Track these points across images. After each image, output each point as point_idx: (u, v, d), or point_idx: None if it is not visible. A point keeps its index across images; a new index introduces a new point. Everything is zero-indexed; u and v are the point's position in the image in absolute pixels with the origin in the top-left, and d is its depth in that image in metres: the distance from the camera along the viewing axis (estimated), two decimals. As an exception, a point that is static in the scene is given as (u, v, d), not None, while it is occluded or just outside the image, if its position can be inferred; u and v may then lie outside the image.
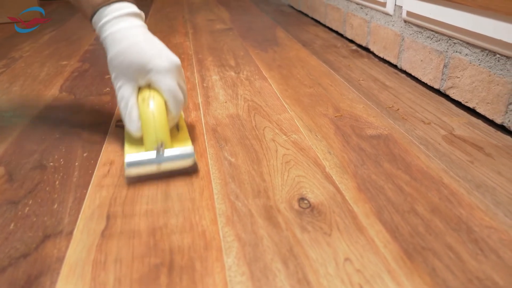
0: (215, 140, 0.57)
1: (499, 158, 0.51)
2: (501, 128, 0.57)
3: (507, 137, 0.55)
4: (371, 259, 0.36)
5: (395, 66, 0.84)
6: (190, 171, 0.49)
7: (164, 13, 1.55)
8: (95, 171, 0.50)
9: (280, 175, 0.48)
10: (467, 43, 0.61)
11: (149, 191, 0.46)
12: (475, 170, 0.48)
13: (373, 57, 0.92)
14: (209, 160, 0.52)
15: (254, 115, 0.64)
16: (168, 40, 1.11)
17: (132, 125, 0.51)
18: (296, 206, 0.43)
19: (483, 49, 0.58)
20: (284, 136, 0.57)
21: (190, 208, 0.43)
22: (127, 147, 0.52)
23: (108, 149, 0.55)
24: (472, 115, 0.62)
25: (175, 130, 0.56)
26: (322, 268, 0.35)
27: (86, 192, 0.46)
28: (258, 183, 0.47)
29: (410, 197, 0.44)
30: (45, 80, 0.83)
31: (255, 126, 0.60)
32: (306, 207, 0.42)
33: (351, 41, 1.04)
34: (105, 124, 0.63)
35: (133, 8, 0.54)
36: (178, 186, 0.47)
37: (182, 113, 0.63)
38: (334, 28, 1.15)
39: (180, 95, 0.52)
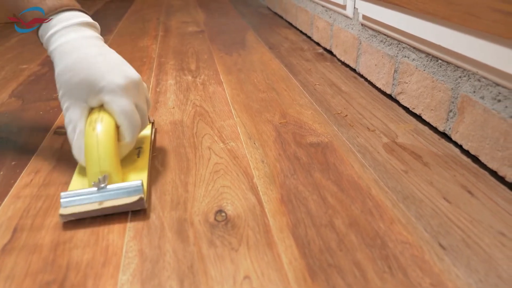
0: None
1: (435, 167, 0.49)
2: (445, 136, 0.56)
3: (449, 145, 0.54)
4: (272, 277, 0.34)
5: (354, 70, 0.83)
6: (137, 210, 0.43)
7: (140, 14, 1.53)
8: (17, 180, 0.49)
9: (205, 186, 0.46)
10: (414, 47, 0.60)
11: (66, 202, 0.44)
12: (407, 180, 0.47)
13: (336, 60, 0.90)
14: (137, 169, 0.50)
15: (198, 122, 0.62)
16: (135, 43, 1.10)
17: (79, 153, 0.45)
18: (212, 219, 0.41)
19: (427, 54, 0.57)
20: (221, 144, 0.55)
21: (101, 221, 0.41)
22: (74, 179, 0.46)
23: (38, 157, 0.54)
24: (420, 121, 0.60)
25: (134, 157, 0.50)
26: (218, 286, 0.33)
27: (1, 203, 0.45)
28: (179, 194, 0.45)
29: (332, 210, 0.42)
30: (-2, 84, 0.81)
31: (196, 133, 0.59)
32: (221, 220, 0.41)
33: (318, 44, 1.03)
34: (45, 131, 0.61)
35: (85, 17, 0.48)
36: (97, 197, 0.45)
37: (152, 131, 0.56)
38: (303, 30, 1.13)
39: (137, 118, 0.46)
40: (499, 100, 0.44)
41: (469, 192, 0.44)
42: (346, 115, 0.63)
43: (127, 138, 0.46)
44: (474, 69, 0.48)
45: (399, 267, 0.35)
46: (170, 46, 1.07)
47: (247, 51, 1.00)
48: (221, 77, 0.82)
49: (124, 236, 0.39)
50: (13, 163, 0.53)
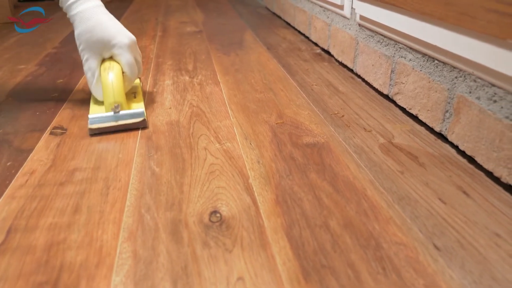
0: (146, 149, 0.55)
1: (431, 168, 0.49)
2: (442, 136, 0.56)
3: (445, 146, 0.53)
4: (265, 278, 0.34)
5: (352, 71, 0.83)
6: (141, 128, 0.60)
7: (139, 15, 1.53)
8: (12, 181, 0.49)
9: (200, 186, 0.46)
10: (411, 48, 0.60)
11: (61, 203, 0.44)
12: (403, 181, 0.47)
13: (334, 61, 0.90)
14: (132, 170, 0.50)
15: (194, 122, 0.62)
16: (133, 43, 1.10)
17: (97, 91, 0.64)
18: (206, 220, 0.41)
19: (424, 55, 0.57)
20: (217, 144, 0.55)
21: (95, 222, 0.41)
22: (92, 108, 0.65)
23: (34, 158, 0.53)
24: (416, 122, 0.60)
25: (132, 97, 0.69)
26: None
27: (-4, 204, 0.45)
28: (174, 195, 0.45)
29: (327, 211, 0.42)
30: (-4, 84, 0.81)
31: (192, 133, 0.59)
32: (216, 221, 0.41)
33: (316, 44, 1.03)
34: (41, 131, 0.61)
35: None
36: (92, 198, 0.45)
37: (140, 83, 0.75)
38: (301, 30, 1.13)
39: (135, 67, 0.65)
40: (495, 101, 0.44)
41: (465, 193, 0.44)
42: (343, 116, 0.63)
43: (130, 79, 0.65)
44: (470, 70, 0.47)
45: (393, 268, 0.35)
46: (168, 46, 1.07)
47: (245, 51, 1.00)
48: (218, 78, 0.82)
49: (118, 237, 0.39)
50: (8, 163, 0.53)
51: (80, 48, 0.63)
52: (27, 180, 0.49)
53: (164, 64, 0.92)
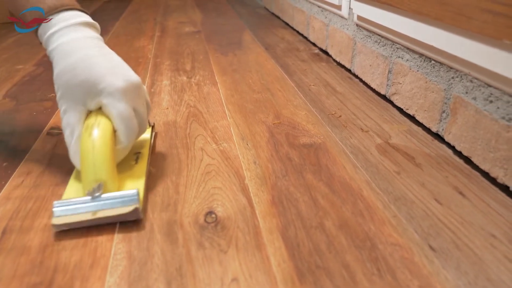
0: (143, 149, 0.55)
1: (427, 168, 0.49)
2: (439, 137, 0.56)
3: (442, 146, 0.53)
4: (260, 279, 0.34)
5: (349, 71, 0.83)
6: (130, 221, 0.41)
7: (137, 15, 1.53)
8: (8, 182, 0.48)
9: (196, 187, 0.46)
10: (408, 48, 0.60)
11: (56, 204, 0.44)
12: (399, 181, 0.46)
13: (331, 61, 0.90)
14: (128, 170, 0.50)
15: (191, 122, 0.62)
16: (131, 44, 1.10)
17: (76, 160, 0.44)
18: (202, 220, 0.41)
19: (421, 55, 0.57)
20: (214, 145, 0.55)
21: (90, 223, 0.41)
22: (69, 186, 0.45)
23: (30, 158, 0.53)
24: (413, 122, 0.60)
25: (132, 162, 0.48)
26: (205, 289, 0.33)
27: (-9, 204, 0.45)
28: (170, 196, 0.45)
29: (323, 211, 0.42)
30: (-7, 85, 0.81)
31: (189, 134, 0.59)
32: (211, 222, 0.41)
33: (314, 45, 1.03)
34: (38, 131, 0.61)
35: (85, 17, 0.47)
36: (87, 199, 0.45)
37: (152, 135, 0.55)
38: (300, 31, 1.13)
39: (134, 123, 0.45)
40: (491, 101, 0.44)
41: (461, 193, 0.44)
42: (340, 116, 0.63)
43: (124, 142, 0.44)
44: (466, 70, 0.47)
45: (388, 269, 0.34)
46: (166, 46, 1.07)
47: (243, 52, 1.00)
48: (216, 78, 0.82)
49: (113, 238, 0.39)
50: (4, 164, 0.52)
51: (57, 95, 0.44)
52: (23, 181, 0.49)
53: (162, 64, 0.92)
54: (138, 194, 0.40)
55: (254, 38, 1.12)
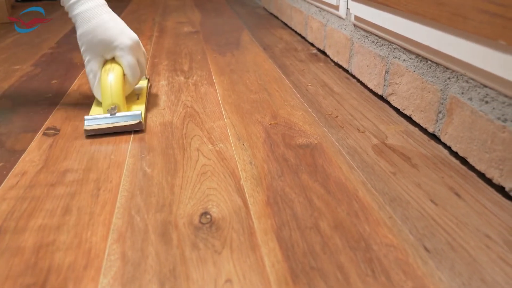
0: (139, 150, 0.55)
1: (423, 169, 0.49)
2: (435, 137, 0.55)
3: (439, 147, 0.53)
4: (254, 280, 0.34)
5: (347, 71, 0.82)
6: (138, 131, 0.59)
7: (136, 15, 1.53)
8: (3, 182, 0.48)
9: (192, 188, 0.46)
10: (404, 48, 0.59)
11: (51, 205, 0.44)
12: (395, 182, 0.46)
13: (329, 61, 0.90)
14: (124, 171, 0.50)
15: (188, 123, 0.62)
16: (129, 44, 1.10)
17: (98, 93, 0.64)
18: (196, 221, 0.41)
19: (417, 55, 0.56)
20: (210, 145, 0.55)
21: (85, 223, 0.41)
22: (92, 109, 0.65)
23: (26, 159, 0.53)
24: (410, 123, 0.60)
25: (135, 98, 0.68)
26: (199, 290, 0.33)
27: (-14, 205, 0.44)
28: (165, 196, 0.45)
29: (318, 212, 0.42)
30: (-10, 85, 0.81)
31: (185, 134, 0.59)
32: (206, 222, 0.41)
33: (312, 45, 1.02)
34: (34, 132, 0.61)
35: None
36: (82, 199, 0.45)
37: (147, 85, 0.74)
38: (298, 31, 1.13)
39: (138, 70, 0.65)
40: (487, 102, 0.44)
41: (457, 194, 0.44)
42: (337, 116, 0.63)
43: (130, 82, 0.65)
44: (462, 71, 0.47)
45: (382, 270, 0.34)
46: (164, 46, 1.07)
47: (241, 52, 0.99)
48: (213, 78, 0.82)
49: (107, 239, 0.39)
50: (0, 164, 0.52)
51: (82, 49, 0.62)
52: (18, 181, 0.49)
53: (160, 64, 0.92)
54: (141, 113, 0.60)
55: (252, 38, 1.12)
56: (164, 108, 0.68)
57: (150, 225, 0.41)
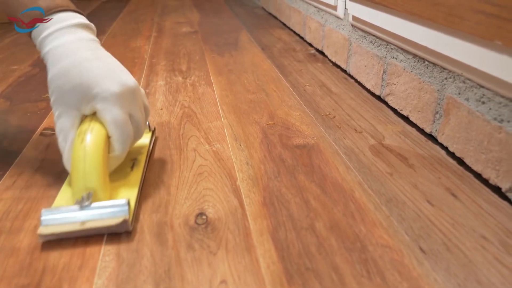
0: (136, 150, 0.55)
1: (420, 169, 0.49)
2: (432, 137, 0.55)
3: (436, 147, 0.53)
4: (248, 281, 0.34)
5: (345, 71, 0.82)
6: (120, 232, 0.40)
7: (135, 15, 1.53)
8: (-1, 183, 0.48)
9: (188, 188, 0.46)
10: (402, 49, 0.59)
11: (47, 205, 0.44)
12: (391, 182, 0.46)
13: (327, 61, 0.90)
14: (120, 171, 0.50)
15: (185, 123, 0.62)
16: (128, 44, 1.10)
17: (69, 166, 0.43)
18: (192, 222, 0.41)
19: (414, 55, 0.56)
20: (207, 146, 0.55)
21: (81, 224, 0.41)
22: (61, 192, 0.44)
23: (22, 159, 0.53)
24: (408, 123, 0.60)
25: (128, 169, 0.47)
26: (193, 291, 0.33)
27: (-18, 205, 0.44)
28: (161, 197, 0.45)
29: (314, 213, 0.42)
30: (-12, 85, 0.81)
31: (182, 134, 0.58)
32: (202, 223, 0.40)
33: (311, 45, 1.02)
34: (31, 132, 0.61)
35: (81, 19, 0.46)
36: (78, 200, 0.45)
37: (152, 139, 0.55)
38: (296, 31, 1.13)
39: (129, 129, 0.44)
40: (483, 102, 0.44)
41: (453, 194, 0.44)
42: (334, 117, 0.63)
43: (117, 150, 0.43)
44: (459, 71, 0.47)
45: (378, 271, 0.34)
46: (162, 47, 1.07)
47: (239, 52, 0.99)
48: (211, 78, 0.81)
49: (102, 239, 0.39)
50: (-4, 165, 0.52)
51: (51, 100, 0.44)
52: (14, 182, 0.48)
53: (158, 64, 0.92)
54: (128, 204, 0.39)
55: (251, 38, 1.12)
56: (161, 109, 0.68)
57: (146, 225, 0.40)
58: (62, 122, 0.43)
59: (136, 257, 0.36)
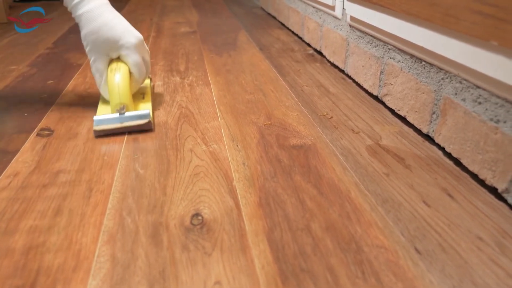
0: (132, 150, 0.55)
1: (417, 170, 0.48)
2: (429, 138, 0.55)
3: (433, 148, 0.53)
4: (243, 282, 0.33)
5: (343, 71, 0.82)
6: (147, 131, 0.59)
7: (134, 15, 1.53)
8: (-5, 183, 0.48)
9: (184, 189, 0.46)
10: (399, 49, 0.59)
11: (42, 206, 0.44)
12: (388, 183, 0.46)
13: (325, 61, 0.90)
14: (117, 172, 0.50)
15: (182, 123, 0.62)
16: (126, 44, 1.09)
17: (105, 92, 0.64)
18: (188, 222, 0.41)
19: (412, 56, 0.56)
20: (204, 146, 0.55)
21: (76, 225, 0.41)
22: (99, 108, 0.65)
23: (18, 160, 0.53)
24: (405, 123, 0.60)
25: (141, 97, 0.68)
26: (187, 292, 0.33)
27: (-23, 206, 0.44)
28: (157, 197, 0.45)
29: (309, 213, 0.41)
30: (-14, 85, 0.81)
31: (179, 135, 0.58)
32: (197, 224, 0.40)
33: (309, 45, 1.02)
34: (27, 133, 0.61)
35: None
36: (74, 200, 0.45)
37: (151, 84, 0.75)
38: (295, 31, 1.13)
39: (143, 68, 0.65)
40: (480, 103, 0.44)
41: (449, 195, 0.44)
42: (332, 117, 0.63)
43: (136, 80, 0.65)
44: (455, 71, 0.47)
45: (373, 272, 0.34)
46: (161, 47, 1.07)
47: (238, 52, 0.99)
48: (209, 78, 0.81)
49: (97, 240, 0.39)
50: (-7, 165, 0.52)
51: (87, 49, 0.62)
52: (10, 182, 0.48)
53: (156, 65, 0.92)
54: (150, 112, 0.59)
55: (250, 39, 1.12)
56: (158, 109, 0.67)
57: (141, 226, 0.40)
58: (98, 64, 0.63)
59: (130, 258, 0.36)
